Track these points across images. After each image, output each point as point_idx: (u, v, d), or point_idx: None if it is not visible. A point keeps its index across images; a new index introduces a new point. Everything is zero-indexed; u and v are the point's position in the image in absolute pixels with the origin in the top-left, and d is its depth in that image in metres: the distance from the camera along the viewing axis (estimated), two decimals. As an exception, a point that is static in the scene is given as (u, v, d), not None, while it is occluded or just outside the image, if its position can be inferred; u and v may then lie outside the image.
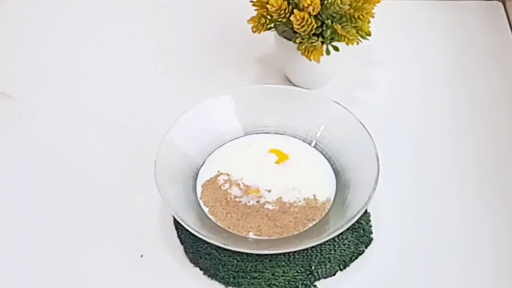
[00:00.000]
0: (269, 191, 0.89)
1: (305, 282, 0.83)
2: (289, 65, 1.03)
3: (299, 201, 0.88)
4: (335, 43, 0.96)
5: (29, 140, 0.99)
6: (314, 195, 0.89)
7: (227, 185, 0.90)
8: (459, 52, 1.09)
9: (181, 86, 1.05)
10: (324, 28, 0.96)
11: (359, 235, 0.86)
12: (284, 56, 1.03)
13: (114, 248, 0.87)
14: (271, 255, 0.84)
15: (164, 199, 0.84)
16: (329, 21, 0.95)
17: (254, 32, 0.98)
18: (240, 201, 0.88)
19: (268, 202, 0.88)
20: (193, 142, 0.92)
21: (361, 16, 0.95)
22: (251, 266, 0.84)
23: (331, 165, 0.92)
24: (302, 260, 0.84)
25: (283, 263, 0.84)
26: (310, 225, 0.86)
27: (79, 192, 0.92)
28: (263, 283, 0.83)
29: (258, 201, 0.88)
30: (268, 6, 0.95)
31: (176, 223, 0.87)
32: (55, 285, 0.84)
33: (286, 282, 0.83)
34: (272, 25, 0.98)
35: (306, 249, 0.84)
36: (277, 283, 0.83)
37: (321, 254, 0.84)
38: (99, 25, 1.15)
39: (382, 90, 1.04)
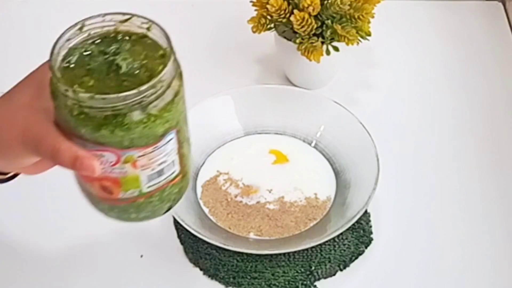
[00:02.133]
0: (270, 191, 0.89)
1: (305, 282, 0.83)
2: (289, 65, 1.03)
3: (300, 201, 0.89)
4: (335, 43, 0.96)
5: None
6: (315, 194, 0.89)
7: (227, 185, 0.90)
8: (459, 52, 1.08)
9: (181, 86, 1.05)
10: (324, 28, 0.96)
11: (359, 235, 0.86)
12: (284, 56, 1.03)
13: (114, 248, 0.87)
14: (271, 255, 0.84)
15: (164, 199, 0.84)
16: (329, 21, 0.95)
17: (254, 32, 0.98)
18: (240, 201, 0.88)
19: (269, 202, 0.88)
20: (193, 142, 0.92)
21: (361, 16, 0.95)
22: (251, 266, 0.84)
23: (331, 165, 0.92)
24: (302, 260, 0.84)
25: (283, 263, 0.84)
26: (311, 224, 0.86)
27: (79, 192, 0.92)
28: (263, 283, 0.83)
29: (258, 201, 0.88)
30: (268, 6, 0.95)
31: (176, 223, 0.87)
32: (55, 285, 0.84)
33: (286, 282, 0.83)
34: (272, 25, 0.98)
35: (306, 249, 0.84)
36: (277, 283, 0.83)
37: (321, 254, 0.84)
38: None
39: (382, 90, 1.04)
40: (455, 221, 0.89)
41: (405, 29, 1.12)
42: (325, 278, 0.84)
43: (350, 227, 0.84)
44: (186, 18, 1.15)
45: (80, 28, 0.65)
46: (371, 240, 0.87)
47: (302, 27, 0.94)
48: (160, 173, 0.65)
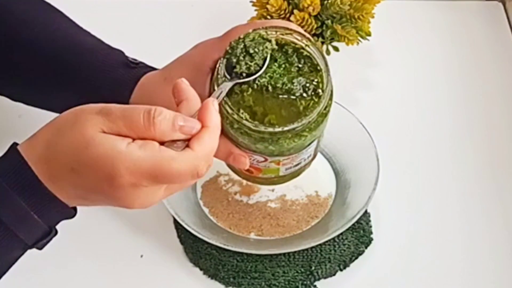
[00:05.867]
0: (272, 190, 0.89)
1: (305, 282, 0.83)
2: (289, 65, 1.03)
3: (302, 199, 0.89)
4: (335, 43, 0.96)
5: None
6: (316, 191, 0.89)
7: (228, 185, 0.90)
8: (459, 53, 1.08)
9: (181, 86, 1.05)
10: (324, 28, 0.96)
11: (359, 235, 0.86)
12: (284, 56, 1.02)
13: (114, 248, 0.87)
14: (271, 255, 0.84)
15: (164, 199, 0.84)
16: (329, 21, 0.95)
17: (254, 32, 0.98)
18: (241, 200, 0.88)
19: (271, 200, 0.88)
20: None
21: (361, 16, 0.95)
22: (251, 266, 0.83)
23: (331, 165, 0.92)
24: (302, 260, 0.84)
25: (283, 263, 0.84)
26: (313, 223, 0.86)
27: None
28: (263, 283, 0.83)
29: (259, 200, 0.88)
30: (268, 6, 0.95)
31: (176, 223, 0.87)
32: (54, 285, 0.84)
33: (286, 282, 0.83)
34: (272, 25, 0.98)
35: (306, 249, 0.84)
36: (277, 283, 0.83)
37: (321, 254, 0.84)
38: (98, 25, 1.15)
39: (382, 90, 1.04)
40: (455, 221, 0.89)
41: (405, 29, 1.12)
42: (325, 278, 0.84)
43: (350, 227, 0.84)
44: (186, 18, 1.15)
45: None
46: (371, 240, 0.87)
47: (302, 27, 0.94)
48: (297, 165, 0.75)
